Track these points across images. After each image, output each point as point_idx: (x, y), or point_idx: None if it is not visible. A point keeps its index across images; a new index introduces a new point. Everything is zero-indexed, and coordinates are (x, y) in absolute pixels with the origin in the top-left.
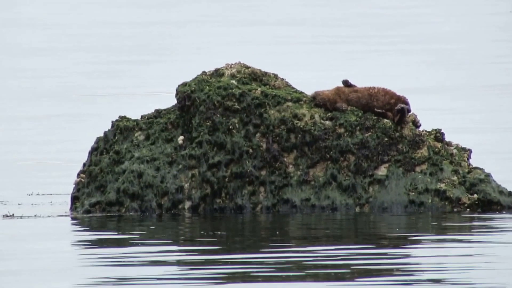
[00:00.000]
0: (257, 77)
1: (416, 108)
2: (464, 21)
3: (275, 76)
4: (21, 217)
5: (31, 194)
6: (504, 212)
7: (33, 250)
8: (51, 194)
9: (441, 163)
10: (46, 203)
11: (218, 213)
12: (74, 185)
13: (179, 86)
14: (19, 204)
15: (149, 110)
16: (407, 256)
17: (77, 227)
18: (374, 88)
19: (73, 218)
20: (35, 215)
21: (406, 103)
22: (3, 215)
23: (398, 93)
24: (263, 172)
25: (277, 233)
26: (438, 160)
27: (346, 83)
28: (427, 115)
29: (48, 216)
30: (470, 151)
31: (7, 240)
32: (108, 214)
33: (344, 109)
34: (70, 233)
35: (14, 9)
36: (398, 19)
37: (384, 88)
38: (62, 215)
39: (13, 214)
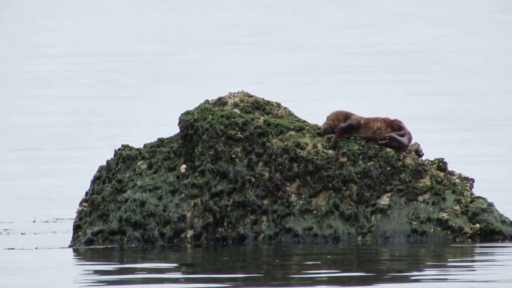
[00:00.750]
0: (260, 106)
1: (418, 137)
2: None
3: (278, 105)
4: (22, 249)
5: (34, 221)
6: (506, 241)
7: (32, 284)
8: (55, 221)
9: (444, 193)
10: (49, 232)
11: (221, 242)
12: (76, 214)
13: (182, 114)
14: (22, 234)
15: (152, 138)
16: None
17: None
18: (376, 121)
19: (74, 251)
20: (36, 248)
21: (401, 127)
22: (5, 248)
23: (392, 118)
24: (266, 201)
25: (277, 260)
26: (441, 189)
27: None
28: (430, 144)
29: (50, 248)
30: (472, 180)
31: (7, 274)
32: (110, 246)
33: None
34: (71, 266)
35: (17, 38)
36: (401, 48)
37: (386, 120)
38: (63, 247)
39: (13, 248)
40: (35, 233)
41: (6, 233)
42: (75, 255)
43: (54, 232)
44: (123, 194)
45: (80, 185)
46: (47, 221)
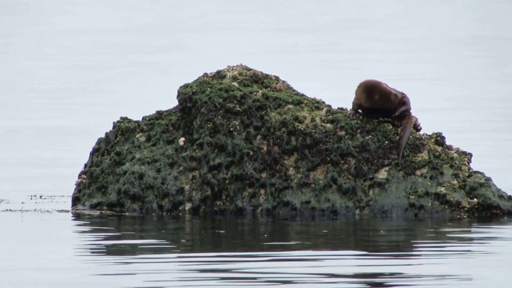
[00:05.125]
0: (258, 79)
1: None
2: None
3: (277, 78)
4: (20, 210)
5: (34, 196)
6: (503, 216)
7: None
8: (54, 196)
9: (442, 167)
10: (48, 202)
11: (218, 215)
12: (75, 186)
13: (180, 87)
14: (22, 203)
15: (150, 111)
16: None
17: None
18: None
19: (74, 214)
20: (34, 209)
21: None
22: (2, 210)
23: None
24: (264, 175)
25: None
26: (439, 164)
27: None
28: (428, 117)
29: (49, 211)
30: (470, 155)
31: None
32: (110, 213)
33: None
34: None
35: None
36: (396, 22)
37: (395, 94)
38: (63, 210)
39: (20, 209)
40: (35, 202)
41: (6, 202)
42: (74, 220)
43: (52, 200)
44: (121, 167)
45: (79, 157)
46: (45, 198)
